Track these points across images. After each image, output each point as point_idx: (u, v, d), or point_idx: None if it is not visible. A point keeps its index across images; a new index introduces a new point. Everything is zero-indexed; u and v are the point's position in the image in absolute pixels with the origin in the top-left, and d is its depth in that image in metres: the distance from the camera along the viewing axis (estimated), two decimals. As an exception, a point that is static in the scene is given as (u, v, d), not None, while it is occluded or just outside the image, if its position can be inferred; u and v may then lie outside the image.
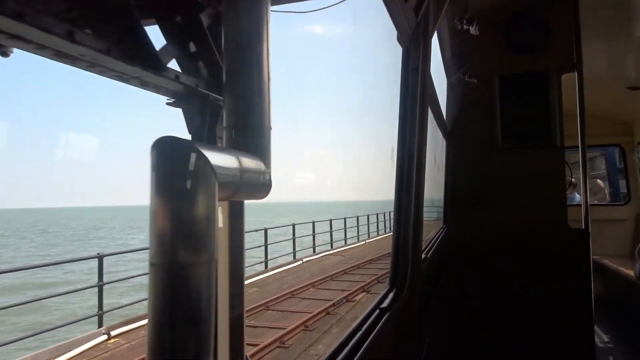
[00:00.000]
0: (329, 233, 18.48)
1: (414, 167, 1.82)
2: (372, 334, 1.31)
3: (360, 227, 21.29)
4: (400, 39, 1.80)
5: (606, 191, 6.41)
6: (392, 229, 2.01)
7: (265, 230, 12.89)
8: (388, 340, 1.56)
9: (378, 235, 22.52)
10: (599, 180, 6.49)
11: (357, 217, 20.08)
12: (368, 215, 21.59)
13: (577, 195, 5.88)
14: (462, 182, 3.76)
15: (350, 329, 1.31)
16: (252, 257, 14.10)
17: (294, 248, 14.64)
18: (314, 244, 16.12)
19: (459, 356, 3.49)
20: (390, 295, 1.65)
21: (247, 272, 12.32)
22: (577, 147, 3.28)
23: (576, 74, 3.27)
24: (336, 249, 17.10)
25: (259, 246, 12.82)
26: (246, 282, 9.32)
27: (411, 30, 1.79)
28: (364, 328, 1.33)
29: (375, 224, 23.57)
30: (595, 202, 6.04)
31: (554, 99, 3.45)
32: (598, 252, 4.32)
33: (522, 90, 3.63)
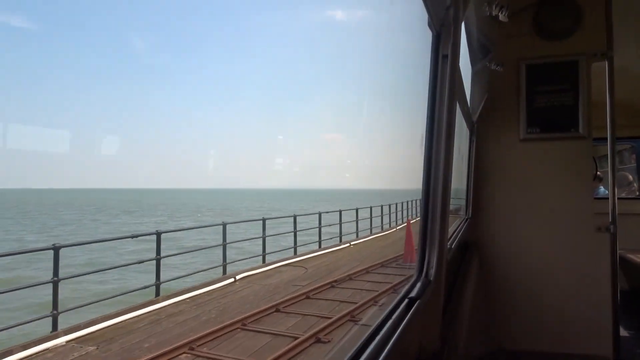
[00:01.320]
0: (313, 231, 13.90)
1: (441, 157, 1.66)
2: (402, 324, 1.23)
3: (356, 222, 16.52)
4: (431, 24, 1.62)
5: (635, 185, 5.99)
6: (419, 218, 1.78)
7: (158, 235, 8.16)
8: (416, 328, 1.49)
9: (371, 234, 17.64)
10: (627, 174, 6.03)
11: (340, 212, 15.17)
12: (357, 209, 16.66)
13: (603, 189, 5.67)
14: (486, 173, 3.62)
15: (380, 319, 1.24)
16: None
17: (224, 259, 9.94)
18: (263, 250, 11.38)
19: (482, 344, 3.34)
20: (418, 285, 1.55)
21: (131, 299, 7.75)
22: (605, 138, 3.14)
23: (606, 62, 3.10)
24: (301, 256, 12.34)
25: (165, 256, 8.09)
26: (93, 328, 5.44)
27: (442, 15, 1.63)
28: (393, 317, 1.26)
29: (378, 217, 18.72)
30: (623, 195, 5.81)
31: (583, 88, 3.30)
32: (623, 246, 3.69)
33: (550, 79, 3.44)
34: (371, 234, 17.61)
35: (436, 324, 1.74)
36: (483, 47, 3.39)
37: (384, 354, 1.02)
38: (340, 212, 15.21)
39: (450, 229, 2.74)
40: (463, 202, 3.75)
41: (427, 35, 1.68)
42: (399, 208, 22.20)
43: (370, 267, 10.71)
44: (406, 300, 1.39)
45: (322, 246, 14.12)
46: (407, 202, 24.25)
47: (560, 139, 3.39)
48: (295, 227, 12.69)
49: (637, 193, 6.02)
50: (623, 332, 3.55)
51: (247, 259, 11.08)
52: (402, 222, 21.43)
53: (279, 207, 79.36)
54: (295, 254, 12.58)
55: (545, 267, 3.36)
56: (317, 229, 14.27)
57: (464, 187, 3.70)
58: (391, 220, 20.59)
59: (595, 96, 3.25)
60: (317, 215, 14.22)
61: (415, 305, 1.37)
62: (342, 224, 16.37)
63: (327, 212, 14.88)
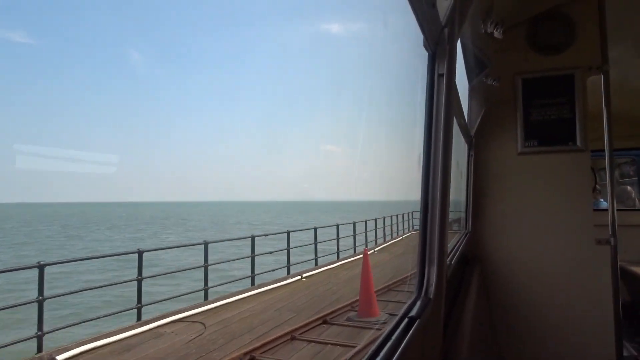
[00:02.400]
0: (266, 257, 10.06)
1: (439, 174, 1.68)
2: (403, 344, 1.23)
3: (314, 245, 12.61)
4: (426, 45, 1.67)
5: (637, 199, 5.81)
6: (418, 234, 1.78)
7: None
8: (417, 348, 1.51)
9: (338, 259, 13.62)
10: (628, 187, 5.83)
11: (288, 233, 11.17)
12: (316, 229, 12.65)
13: (603, 202, 5.66)
14: (485, 186, 3.62)
15: (379, 341, 1.22)
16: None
17: (39, 327, 5.90)
18: (138, 301, 7.34)
19: (484, 358, 3.14)
20: (418, 304, 1.54)
21: None
22: (603, 150, 3.15)
23: (602, 76, 3.11)
24: (217, 301, 8.31)
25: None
26: None
27: (437, 35, 1.67)
28: (393, 337, 1.25)
29: (351, 237, 14.76)
30: (623, 207, 5.60)
31: (579, 101, 3.32)
32: (624, 257, 3.67)
33: (546, 92, 3.45)
34: (338, 259, 13.60)
35: (437, 340, 1.73)
36: (479, 62, 3.36)
37: None
38: (288, 233, 11.22)
39: (450, 244, 2.74)
40: (462, 216, 3.71)
41: (424, 53, 1.68)
42: (380, 224, 18.18)
43: (304, 326, 6.70)
44: (406, 320, 1.37)
45: (258, 283, 10.13)
46: (394, 216, 20.26)
47: (558, 152, 3.35)
48: (206, 259, 8.69)
49: (638, 206, 5.82)
50: (625, 344, 3.33)
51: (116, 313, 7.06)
52: (385, 242, 17.42)
53: (269, 220, 75.62)
54: (206, 299, 8.58)
55: (546, 280, 3.31)
56: (269, 253, 10.32)
57: (463, 201, 3.66)
58: (368, 241, 16.54)
59: (594, 108, 3.18)
60: (277, 236, 10.23)
61: (415, 324, 1.36)
62: (305, 247, 12.49)
63: (265, 235, 10.90)
